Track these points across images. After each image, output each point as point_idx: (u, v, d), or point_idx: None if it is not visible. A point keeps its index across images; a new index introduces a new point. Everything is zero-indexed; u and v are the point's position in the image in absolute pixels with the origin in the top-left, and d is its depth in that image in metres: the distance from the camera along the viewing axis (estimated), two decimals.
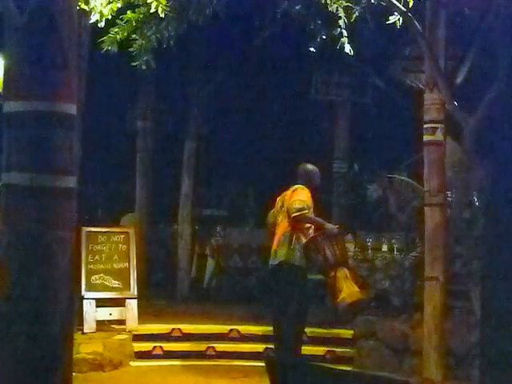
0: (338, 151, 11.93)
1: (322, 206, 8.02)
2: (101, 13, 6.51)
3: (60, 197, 4.23)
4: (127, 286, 9.00)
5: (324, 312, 9.12)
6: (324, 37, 7.35)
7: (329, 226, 7.45)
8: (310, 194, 7.50)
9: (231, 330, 8.98)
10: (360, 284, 7.58)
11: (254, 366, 7.88)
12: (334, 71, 11.33)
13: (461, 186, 7.29)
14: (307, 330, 8.25)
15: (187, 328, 9.00)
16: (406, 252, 9.08)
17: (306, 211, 7.30)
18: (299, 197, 7.39)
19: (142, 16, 6.93)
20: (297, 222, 7.35)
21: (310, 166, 7.75)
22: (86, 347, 8.01)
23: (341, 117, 11.96)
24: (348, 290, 7.16)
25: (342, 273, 7.22)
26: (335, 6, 6.83)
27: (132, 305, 8.86)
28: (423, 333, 7.06)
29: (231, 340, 8.92)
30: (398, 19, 6.56)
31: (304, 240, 7.36)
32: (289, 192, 7.53)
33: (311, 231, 7.47)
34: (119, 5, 6.67)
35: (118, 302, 8.88)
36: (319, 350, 8.51)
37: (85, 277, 8.78)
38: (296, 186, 7.55)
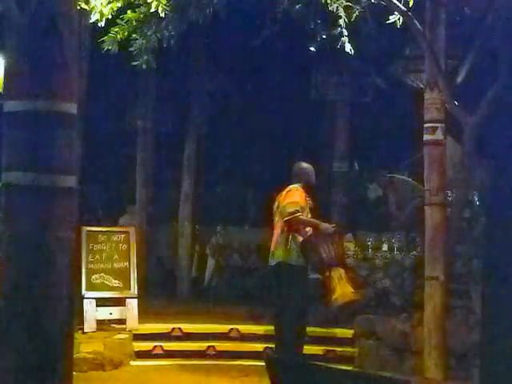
0: (337, 151, 11.94)
1: (322, 206, 8.01)
2: (101, 12, 6.51)
3: (60, 197, 4.22)
4: (127, 286, 9.01)
5: (324, 311, 9.12)
6: (324, 36, 7.35)
7: (323, 225, 7.43)
8: (303, 194, 7.48)
9: (231, 329, 8.98)
10: (356, 284, 7.56)
11: (254, 365, 7.87)
12: (334, 71, 11.34)
13: (461, 185, 7.29)
14: (308, 329, 8.26)
15: (187, 327, 9.00)
16: (406, 251, 9.08)
17: (299, 213, 7.29)
18: (292, 199, 7.38)
19: (142, 16, 6.94)
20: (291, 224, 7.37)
21: (303, 164, 7.72)
22: (86, 347, 8.01)
23: (341, 117, 11.98)
24: (341, 291, 7.14)
25: (337, 273, 7.20)
26: (335, 5, 6.84)
27: (132, 304, 8.86)
28: (423, 332, 7.05)
29: (231, 339, 8.92)
30: (398, 19, 6.56)
31: (301, 239, 7.36)
32: (284, 193, 7.53)
33: (309, 229, 7.46)
34: (119, 4, 6.68)
35: (119, 302, 8.89)
36: (319, 350, 8.50)
37: (85, 276, 8.78)
38: (291, 186, 7.55)
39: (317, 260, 7.27)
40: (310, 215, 7.55)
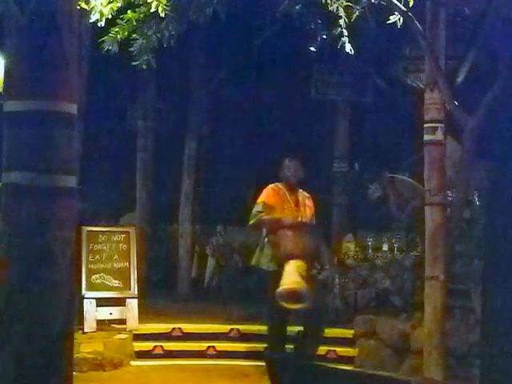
0: (337, 151, 11.93)
1: (323, 206, 7.98)
2: (101, 12, 6.51)
3: (60, 196, 4.23)
4: (128, 286, 9.01)
5: (324, 312, 9.12)
6: (324, 37, 7.35)
7: (282, 219, 7.21)
8: (272, 191, 7.35)
9: (231, 329, 8.99)
10: (312, 279, 7.05)
11: (254, 365, 7.88)
12: (334, 71, 11.33)
13: (461, 185, 7.28)
14: None
15: (187, 327, 9.01)
16: (407, 251, 9.09)
17: (262, 214, 7.18)
18: (257, 200, 7.33)
19: (142, 15, 6.94)
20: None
21: (284, 161, 7.57)
22: (86, 347, 8.02)
23: (341, 117, 11.97)
24: (287, 280, 6.81)
25: (290, 265, 6.88)
26: (335, 5, 6.83)
27: (132, 304, 8.86)
28: (423, 332, 7.05)
29: (231, 339, 8.93)
30: (399, 19, 6.56)
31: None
32: None
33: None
34: (119, 4, 6.68)
35: (119, 302, 8.88)
36: (320, 350, 8.47)
37: (85, 276, 8.78)
38: None
39: (277, 257, 7.05)
40: (301, 211, 7.37)
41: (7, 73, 4.36)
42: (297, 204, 7.41)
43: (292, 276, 6.82)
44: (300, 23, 7.49)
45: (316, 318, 7.23)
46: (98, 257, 8.98)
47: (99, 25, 6.65)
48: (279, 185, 7.43)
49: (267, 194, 7.32)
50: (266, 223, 7.25)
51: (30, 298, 4.15)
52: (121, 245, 9.17)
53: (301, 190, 7.56)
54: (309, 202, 7.55)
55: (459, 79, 7.24)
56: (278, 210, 7.27)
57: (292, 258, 6.91)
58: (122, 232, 9.36)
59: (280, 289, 6.78)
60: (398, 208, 9.91)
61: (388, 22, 6.61)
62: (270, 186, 7.42)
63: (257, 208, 7.23)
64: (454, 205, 7.32)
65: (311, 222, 7.47)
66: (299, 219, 7.32)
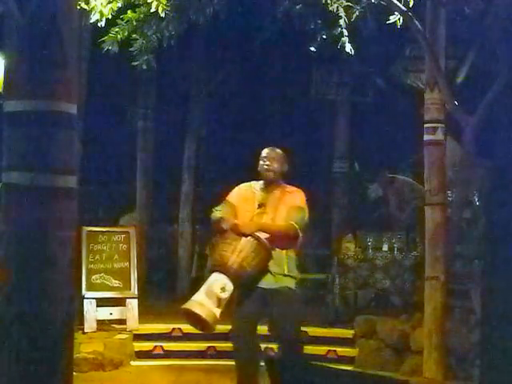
0: (338, 151, 11.94)
1: (323, 207, 7.97)
2: (101, 12, 6.52)
3: (60, 197, 4.23)
4: (128, 286, 9.00)
5: (324, 312, 9.13)
6: (324, 37, 7.36)
7: (223, 220, 5.96)
8: (238, 190, 6.31)
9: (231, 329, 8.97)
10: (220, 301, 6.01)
11: None
12: (334, 71, 11.34)
13: (461, 185, 7.29)
14: (308, 329, 8.25)
15: (187, 327, 8.93)
16: (407, 252, 9.08)
17: (218, 212, 6.07)
18: None
19: (142, 16, 6.95)
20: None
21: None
22: (86, 347, 8.02)
23: (341, 117, 11.98)
24: (194, 296, 5.92)
25: (210, 280, 5.93)
26: (335, 5, 6.84)
27: (132, 304, 8.85)
28: (424, 332, 7.06)
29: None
30: (399, 19, 6.57)
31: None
32: None
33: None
34: (119, 4, 6.69)
35: (119, 302, 8.88)
36: (320, 350, 8.48)
37: (85, 276, 8.77)
38: None
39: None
40: (267, 213, 6.05)
41: (7, 73, 4.36)
42: (261, 205, 6.08)
43: (201, 294, 5.84)
44: (300, 23, 7.50)
45: (288, 333, 6.09)
46: (97, 257, 8.98)
47: (99, 25, 6.66)
48: (253, 183, 6.29)
49: (231, 193, 6.33)
50: (211, 223, 6.09)
51: (30, 298, 4.15)
52: (121, 245, 9.16)
53: (285, 186, 6.20)
54: (290, 199, 6.05)
55: (459, 79, 7.26)
56: (241, 212, 6.10)
57: (216, 271, 5.87)
58: (122, 232, 9.35)
59: (183, 305, 5.83)
60: (398, 208, 9.92)
61: (388, 22, 6.62)
62: (241, 184, 6.38)
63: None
64: (454, 205, 7.33)
65: (275, 229, 5.93)
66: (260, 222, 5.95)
